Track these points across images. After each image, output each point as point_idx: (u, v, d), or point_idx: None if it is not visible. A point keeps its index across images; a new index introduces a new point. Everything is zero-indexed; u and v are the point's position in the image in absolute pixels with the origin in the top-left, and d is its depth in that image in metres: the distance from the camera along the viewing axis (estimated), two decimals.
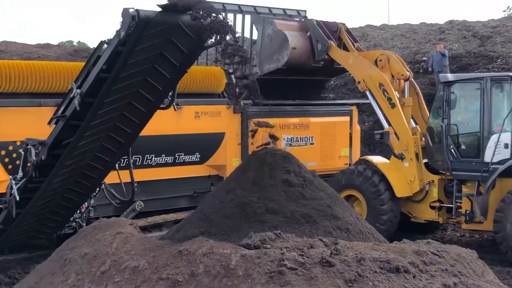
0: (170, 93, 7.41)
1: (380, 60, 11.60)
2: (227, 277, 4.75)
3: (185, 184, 10.43)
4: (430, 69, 18.89)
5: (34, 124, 8.36)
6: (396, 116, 11.29)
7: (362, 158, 12.05)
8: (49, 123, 7.34)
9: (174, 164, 10.25)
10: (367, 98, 11.69)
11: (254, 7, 12.03)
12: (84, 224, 8.70)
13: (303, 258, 4.80)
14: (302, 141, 11.47)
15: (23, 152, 7.70)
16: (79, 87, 6.84)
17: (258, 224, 5.60)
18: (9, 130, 8.68)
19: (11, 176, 8.00)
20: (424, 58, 20.48)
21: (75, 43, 36.28)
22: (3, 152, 8.72)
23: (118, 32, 6.38)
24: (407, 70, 11.70)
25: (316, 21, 12.01)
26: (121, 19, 6.30)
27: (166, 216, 10.09)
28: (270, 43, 11.48)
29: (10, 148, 8.70)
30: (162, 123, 8.75)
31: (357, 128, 12.51)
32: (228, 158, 10.65)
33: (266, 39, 11.48)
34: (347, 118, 12.21)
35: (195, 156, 10.43)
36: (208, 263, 4.87)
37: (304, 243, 5.10)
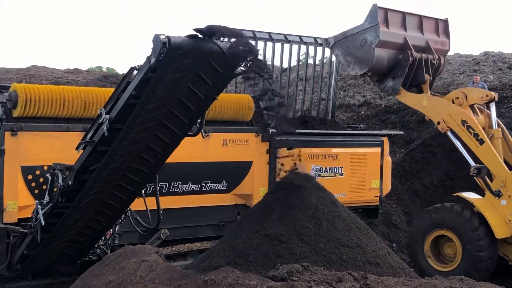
0: (199, 120, 7.45)
1: (457, 98, 11.34)
2: None
3: (211, 212, 10.44)
4: None
5: (61, 149, 8.45)
6: (487, 152, 10.92)
7: (455, 194, 11.80)
8: (77, 148, 7.40)
9: (200, 192, 10.27)
10: (399, 129, 11.58)
11: (285, 34, 12.07)
12: (109, 251, 8.74)
13: None
14: (331, 171, 11.41)
15: (50, 177, 7.78)
16: (107, 112, 6.91)
17: (285, 255, 5.58)
18: (36, 155, 8.77)
19: (37, 201, 8.07)
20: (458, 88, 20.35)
21: (104, 69, 36.72)
22: (30, 177, 8.81)
23: (148, 58, 6.44)
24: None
25: None
26: (151, 45, 6.40)
27: (191, 245, 10.10)
28: (361, 47, 11.22)
29: (37, 172, 8.79)
30: (190, 150, 8.79)
31: (388, 159, 12.41)
32: (255, 187, 10.64)
33: (360, 41, 11.19)
34: (378, 149, 12.12)
35: (221, 184, 10.45)
36: None
37: (332, 276, 5.05)
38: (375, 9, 10.93)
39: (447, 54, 13.65)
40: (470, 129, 10.92)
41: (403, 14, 11.49)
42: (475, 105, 11.44)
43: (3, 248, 8.64)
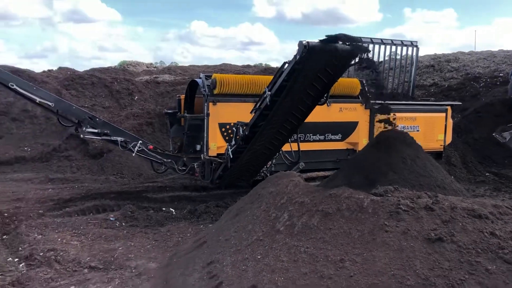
0: (325, 94, 7.35)
1: None
2: (361, 212, 4.66)
3: (331, 153, 10.33)
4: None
5: (241, 113, 8.66)
6: None
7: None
8: (251, 112, 7.58)
9: (324, 140, 10.19)
10: (458, 101, 10.73)
11: (381, 39, 11.49)
12: (269, 174, 8.94)
13: (413, 204, 4.59)
14: (411, 128, 10.88)
15: (235, 129, 8.06)
16: (269, 90, 7.00)
17: (382, 180, 5.43)
18: (227, 116, 9.06)
19: (227, 144, 8.41)
20: (500, 74, 18.50)
21: (263, 64, 37.07)
22: (223, 129, 9.13)
23: (295, 56, 6.42)
24: None
25: None
26: (297, 48, 6.35)
27: (318, 173, 10.08)
28: None
29: (227, 127, 9.10)
30: (319, 114, 8.68)
31: (450, 121, 11.60)
32: (360, 138, 10.40)
33: None
34: (443, 114, 11.36)
35: (338, 135, 10.30)
36: (349, 203, 4.80)
37: (414, 194, 4.86)
38: None
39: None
40: None
41: None
42: None
43: (209, 170, 9.08)
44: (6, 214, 8.02)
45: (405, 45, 11.47)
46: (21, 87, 8.45)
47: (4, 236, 7.09)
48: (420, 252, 4.12)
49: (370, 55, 5.97)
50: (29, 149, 13.80)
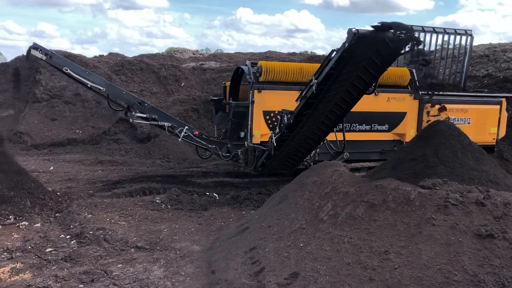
0: (373, 84, 7.19)
1: None
2: (408, 205, 4.56)
3: (377, 144, 10.13)
4: None
5: (286, 101, 8.62)
6: None
7: None
8: (296, 100, 7.53)
9: (370, 130, 9.99)
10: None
11: (433, 27, 11.08)
12: (312, 163, 8.89)
13: (463, 198, 4.44)
14: (462, 121, 10.47)
15: (279, 117, 8.03)
16: (316, 78, 6.92)
17: (431, 173, 5.29)
18: (271, 104, 9.05)
19: (272, 132, 8.40)
20: None
21: (309, 52, 36.60)
22: (267, 117, 9.14)
23: (343, 43, 6.30)
24: None
25: None
26: (346, 35, 6.24)
27: (362, 164, 9.92)
28: None
29: (272, 115, 9.10)
30: (365, 103, 8.52)
31: (504, 113, 11.07)
32: (407, 129, 10.12)
33: None
34: (497, 106, 10.85)
35: (385, 126, 10.06)
36: (395, 194, 4.71)
37: (464, 188, 4.71)
38: None
39: None
40: None
41: None
42: None
43: (252, 158, 9.13)
44: (58, 193, 8.42)
45: (459, 34, 11.03)
46: (75, 72, 8.79)
47: (57, 214, 7.46)
48: (468, 247, 4.00)
49: (421, 47, 5.76)
50: (80, 132, 14.38)
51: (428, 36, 10.62)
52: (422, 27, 10.34)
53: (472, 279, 3.75)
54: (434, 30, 10.62)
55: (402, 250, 4.16)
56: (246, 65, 9.52)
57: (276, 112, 8.63)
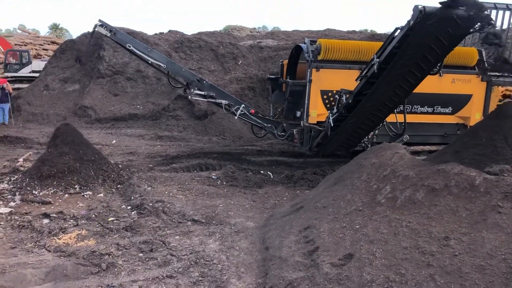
0: (439, 64, 6.88)
1: None
2: (472, 191, 4.37)
3: (439, 127, 9.76)
4: None
5: (345, 80, 8.49)
6: None
7: None
8: (356, 79, 7.37)
9: (432, 113, 9.63)
10: None
11: (507, 4, 10.35)
12: (369, 145, 8.72)
13: None
14: None
15: (337, 97, 7.90)
16: (378, 57, 6.72)
17: (498, 158, 5.02)
18: (330, 83, 8.93)
19: (329, 111, 8.29)
20: None
21: (369, 30, 35.47)
22: (325, 96, 9.04)
23: (408, 21, 6.06)
24: None
25: None
26: (411, 13, 5.99)
27: (423, 147, 9.63)
28: None
29: (329, 94, 8.98)
30: (428, 84, 8.20)
31: None
32: (472, 112, 9.64)
33: None
34: None
35: (448, 109, 9.66)
36: (458, 179, 4.52)
37: None
38: None
39: None
40: None
41: None
42: None
43: (308, 138, 9.09)
44: (120, 166, 8.81)
45: None
46: (137, 48, 9.06)
47: (119, 186, 7.82)
48: None
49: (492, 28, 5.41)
50: (141, 107, 14.90)
51: (500, 13, 9.97)
52: (495, 3, 9.71)
53: None
54: (507, 7, 9.93)
55: (464, 237, 4.01)
56: (304, 43, 9.41)
57: (334, 91, 8.51)
